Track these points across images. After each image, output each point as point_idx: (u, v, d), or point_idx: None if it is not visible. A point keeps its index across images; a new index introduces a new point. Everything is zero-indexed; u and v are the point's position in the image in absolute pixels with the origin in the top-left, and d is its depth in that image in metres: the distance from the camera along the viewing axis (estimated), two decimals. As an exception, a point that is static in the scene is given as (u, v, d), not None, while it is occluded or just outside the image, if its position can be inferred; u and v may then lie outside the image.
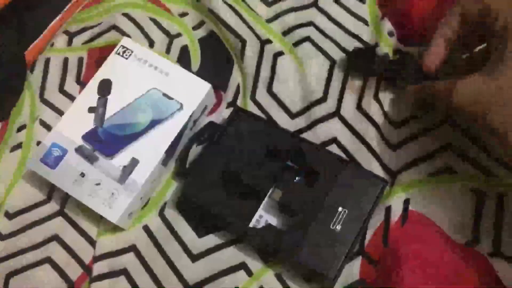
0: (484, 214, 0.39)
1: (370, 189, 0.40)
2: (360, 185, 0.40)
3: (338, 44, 0.46)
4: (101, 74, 0.45)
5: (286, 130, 0.43)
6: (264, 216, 0.41)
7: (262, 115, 0.45)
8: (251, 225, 0.40)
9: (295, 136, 0.43)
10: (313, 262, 0.38)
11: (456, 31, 0.39)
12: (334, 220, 0.39)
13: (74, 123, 0.43)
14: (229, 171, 0.41)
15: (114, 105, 0.44)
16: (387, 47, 0.45)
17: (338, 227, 0.39)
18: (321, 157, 0.41)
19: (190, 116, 0.43)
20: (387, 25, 0.45)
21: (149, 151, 0.42)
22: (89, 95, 0.44)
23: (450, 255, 0.39)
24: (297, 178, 0.42)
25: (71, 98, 0.48)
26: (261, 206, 0.41)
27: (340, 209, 0.39)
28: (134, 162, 0.42)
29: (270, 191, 0.41)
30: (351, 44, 0.46)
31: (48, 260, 0.43)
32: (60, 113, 0.47)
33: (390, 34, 0.45)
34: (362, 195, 0.40)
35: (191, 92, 0.43)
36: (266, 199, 0.41)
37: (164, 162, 0.43)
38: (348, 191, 0.40)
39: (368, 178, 0.41)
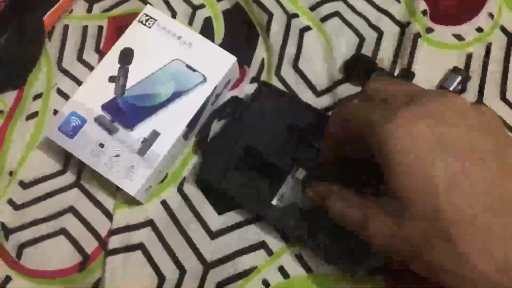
0: None
1: None
2: None
3: (368, 21, 0.45)
4: (123, 42, 0.43)
5: (311, 107, 0.42)
6: (286, 195, 0.40)
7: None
8: (273, 203, 0.39)
9: (321, 113, 0.42)
10: (339, 243, 0.37)
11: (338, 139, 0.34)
12: None
13: (94, 92, 0.42)
14: (251, 148, 0.40)
15: (135, 75, 0.42)
16: (420, 26, 0.43)
17: None
18: None
19: (214, 89, 0.41)
20: (422, 4, 0.44)
21: (171, 123, 0.41)
22: (110, 64, 0.43)
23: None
24: None
25: (90, 67, 0.46)
26: (284, 185, 0.40)
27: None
28: (154, 134, 0.41)
29: (294, 170, 0.40)
30: (381, 20, 0.44)
31: (63, 231, 0.42)
32: (78, 82, 0.46)
33: (424, 13, 0.44)
34: None
35: (215, 64, 0.42)
36: (288, 178, 0.40)
37: (185, 135, 0.42)
38: (377, 170, 0.39)
39: None
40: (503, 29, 0.44)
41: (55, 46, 0.47)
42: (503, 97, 0.42)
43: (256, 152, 0.40)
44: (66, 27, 0.48)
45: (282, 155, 0.40)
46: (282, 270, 0.39)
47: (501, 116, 0.41)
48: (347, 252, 0.37)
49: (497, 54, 0.43)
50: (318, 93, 0.43)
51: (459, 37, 0.44)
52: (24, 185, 0.43)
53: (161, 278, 0.40)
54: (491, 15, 0.44)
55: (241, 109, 0.42)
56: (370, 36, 0.44)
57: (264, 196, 0.39)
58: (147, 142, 0.40)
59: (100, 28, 0.47)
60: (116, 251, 0.41)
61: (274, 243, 0.40)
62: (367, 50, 0.44)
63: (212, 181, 0.40)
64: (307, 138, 0.41)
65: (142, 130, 0.41)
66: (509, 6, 0.44)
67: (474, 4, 0.44)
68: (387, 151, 0.27)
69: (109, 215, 0.42)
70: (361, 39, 0.44)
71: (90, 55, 0.47)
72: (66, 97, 0.45)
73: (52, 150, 0.44)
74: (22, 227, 0.42)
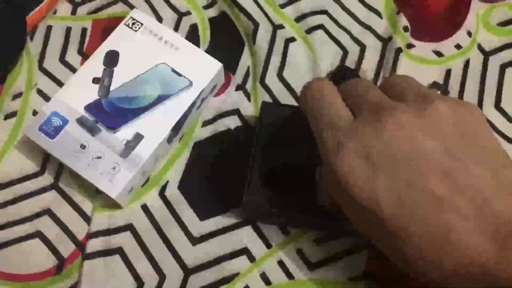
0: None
1: None
2: None
3: (351, 35, 0.46)
4: (108, 45, 0.43)
5: None
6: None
7: (270, 100, 0.44)
8: None
9: None
10: None
11: None
12: None
13: (77, 92, 0.41)
14: (277, 167, 0.39)
15: (120, 77, 0.42)
16: (402, 41, 0.45)
17: None
18: None
19: (199, 94, 0.41)
20: (403, 20, 0.45)
21: (155, 127, 0.40)
22: (94, 65, 0.42)
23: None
24: None
25: (72, 69, 0.46)
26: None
27: None
28: (138, 137, 0.40)
29: (317, 172, 0.40)
30: (364, 35, 0.46)
31: (39, 234, 0.41)
32: (59, 83, 0.45)
33: (405, 29, 0.45)
34: None
35: (202, 70, 0.42)
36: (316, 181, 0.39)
37: (169, 139, 0.41)
38: None
39: None
40: (480, 47, 0.45)
41: (37, 46, 0.46)
42: (480, 112, 0.43)
43: (283, 168, 0.39)
44: (49, 28, 0.47)
45: (307, 162, 0.39)
46: (264, 276, 0.39)
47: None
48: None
49: (474, 70, 0.44)
50: (302, 103, 0.44)
51: (438, 53, 0.45)
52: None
53: (140, 284, 0.39)
54: (469, 33, 0.46)
55: (256, 132, 0.40)
56: (353, 49, 0.45)
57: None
58: (130, 145, 0.40)
59: (84, 30, 0.47)
60: (93, 255, 0.40)
61: (257, 249, 0.40)
62: (350, 62, 0.45)
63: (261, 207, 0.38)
64: None
65: (126, 132, 0.40)
66: (485, 26, 0.46)
67: (454, 22, 0.46)
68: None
69: (87, 218, 0.41)
70: (345, 51, 0.45)
71: (72, 57, 0.46)
72: (46, 97, 0.45)
73: (30, 150, 0.43)
74: (-4, 229, 0.41)
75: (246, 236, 0.40)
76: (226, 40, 0.47)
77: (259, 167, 0.38)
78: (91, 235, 0.40)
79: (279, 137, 0.40)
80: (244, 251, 0.39)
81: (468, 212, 0.26)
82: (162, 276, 0.39)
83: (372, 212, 0.28)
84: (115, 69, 0.42)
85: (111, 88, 0.42)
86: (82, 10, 0.48)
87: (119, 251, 0.40)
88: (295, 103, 0.44)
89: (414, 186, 0.27)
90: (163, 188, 0.42)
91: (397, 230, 0.28)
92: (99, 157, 0.40)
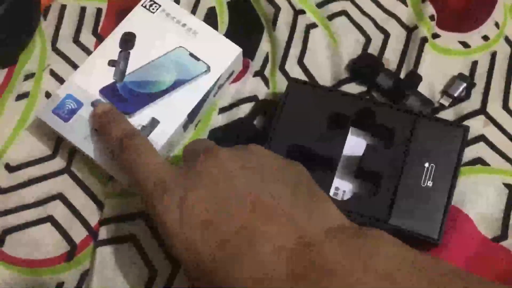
0: (514, 209, 0.39)
1: (452, 138, 0.38)
2: (441, 136, 0.38)
3: (374, 22, 0.44)
4: (124, 26, 0.42)
5: (350, 93, 0.40)
6: (341, 187, 0.39)
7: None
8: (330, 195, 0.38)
9: (361, 98, 0.40)
10: (413, 225, 0.36)
11: None
12: (424, 177, 0.37)
13: (92, 75, 0.40)
14: (296, 145, 0.38)
15: (136, 60, 0.41)
16: (427, 30, 0.43)
17: (430, 183, 0.37)
18: (393, 114, 0.39)
19: (217, 80, 0.40)
20: (429, 9, 0.44)
21: (171, 112, 0.39)
22: (110, 47, 0.41)
23: (477, 249, 0.38)
24: (371, 139, 0.40)
25: (86, 50, 0.44)
26: (336, 176, 0.39)
27: (426, 164, 0.37)
28: (154, 123, 0.39)
29: (342, 159, 0.39)
30: (388, 22, 0.44)
31: (50, 219, 0.40)
32: (73, 65, 0.44)
33: (432, 18, 0.44)
34: (446, 145, 0.37)
35: (220, 54, 0.41)
36: (339, 168, 0.39)
37: (185, 126, 0.40)
38: (430, 144, 0.38)
39: (448, 126, 0.38)
40: (507, 39, 0.44)
41: (51, 25, 0.45)
42: (505, 106, 0.42)
43: (301, 148, 0.38)
44: (63, 7, 0.46)
45: (327, 146, 0.38)
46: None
47: (503, 125, 0.41)
48: (425, 230, 0.36)
49: (501, 63, 0.43)
50: (322, 91, 0.43)
51: (465, 44, 0.44)
52: (10, 168, 0.41)
53: (153, 272, 0.38)
54: (497, 24, 0.44)
55: (277, 111, 0.40)
56: (376, 37, 0.44)
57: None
58: (146, 130, 0.39)
59: (99, 10, 0.46)
60: (106, 242, 0.39)
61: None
62: (373, 51, 0.44)
63: None
64: (351, 122, 0.39)
65: (141, 117, 0.39)
66: (513, 17, 0.45)
67: (481, 12, 0.44)
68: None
69: (100, 204, 0.40)
70: (368, 39, 0.44)
71: (87, 38, 0.45)
72: (59, 79, 0.43)
73: (42, 133, 0.42)
74: (7, 212, 0.40)
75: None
76: (244, 25, 0.45)
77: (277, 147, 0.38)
78: (103, 222, 0.39)
79: (301, 116, 0.39)
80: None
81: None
82: (175, 265, 0.38)
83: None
84: (131, 51, 0.41)
85: (127, 72, 0.40)
86: (98, -11, 0.46)
87: (132, 238, 0.39)
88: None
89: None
90: (178, 175, 0.41)
91: (222, 279, 0.28)
92: (113, 142, 0.39)
